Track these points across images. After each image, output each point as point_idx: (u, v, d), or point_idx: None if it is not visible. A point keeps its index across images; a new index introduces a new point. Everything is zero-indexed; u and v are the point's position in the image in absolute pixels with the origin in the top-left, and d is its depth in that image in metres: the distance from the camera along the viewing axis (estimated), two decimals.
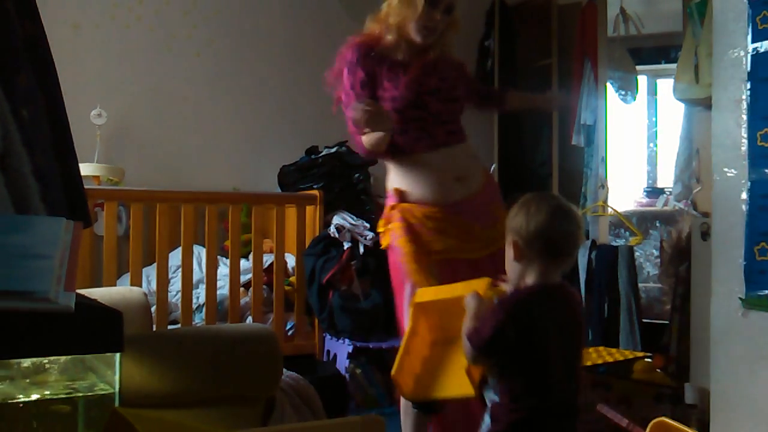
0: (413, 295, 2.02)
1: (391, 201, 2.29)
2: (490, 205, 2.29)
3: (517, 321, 1.61)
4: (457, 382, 1.77)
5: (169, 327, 3.20)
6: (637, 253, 3.68)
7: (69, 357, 1.25)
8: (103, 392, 1.25)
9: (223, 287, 3.46)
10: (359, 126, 2.09)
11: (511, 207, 1.77)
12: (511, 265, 1.73)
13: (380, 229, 2.34)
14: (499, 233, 1.96)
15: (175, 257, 3.35)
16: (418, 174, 2.24)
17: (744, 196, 2.02)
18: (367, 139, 2.20)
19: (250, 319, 3.42)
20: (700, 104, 3.35)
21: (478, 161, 2.40)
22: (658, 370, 2.74)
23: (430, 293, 1.95)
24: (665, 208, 4.22)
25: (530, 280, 1.69)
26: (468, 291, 1.75)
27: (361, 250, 3.48)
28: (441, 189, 2.22)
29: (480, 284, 1.78)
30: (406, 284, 2.21)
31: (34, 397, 1.24)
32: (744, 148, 2.02)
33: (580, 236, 1.74)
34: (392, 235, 2.25)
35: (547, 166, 4.55)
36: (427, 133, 2.24)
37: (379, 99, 2.23)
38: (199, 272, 3.52)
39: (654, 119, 4.62)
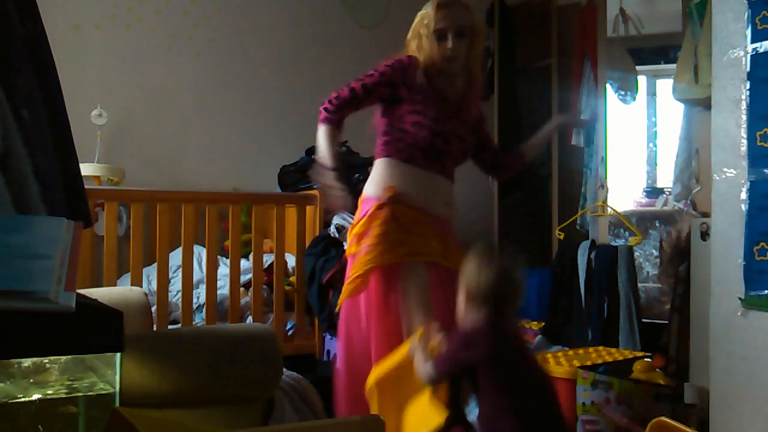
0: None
1: (372, 200, 2.33)
2: (451, 232, 2.45)
3: (469, 343, 1.86)
4: (429, 415, 1.93)
5: (170, 327, 3.20)
6: (636, 253, 3.67)
7: (69, 357, 1.25)
8: (103, 392, 1.25)
9: (224, 287, 3.46)
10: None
11: (467, 255, 1.96)
12: (463, 309, 1.94)
13: (359, 230, 2.34)
14: (455, 258, 2.19)
15: (176, 257, 3.35)
16: (418, 184, 2.35)
17: (743, 196, 2.02)
18: (318, 141, 2.35)
19: (250, 319, 3.43)
20: (699, 104, 3.36)
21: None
22: (658, 370, 2.74)
23: (379, 369, 2.10)
24: (665, 208, 4.23)
25: (477, 320, 1.91)
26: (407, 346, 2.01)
27: None
28: (433, 204, 2.36)
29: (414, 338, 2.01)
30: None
31: (35, 397, 1.24)
32: (743, 148, 2.02)
33: (522, 288, 1.96)
34: (366, 243, 2.29)
35: (547, 166, 4.55)
36: (441, 162, 2.38)
37: (411, 113, 2.35)
38: (199, 272, 3.52)
39: (653, 119, 4.61)
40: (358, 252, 2.30)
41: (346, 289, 2.32)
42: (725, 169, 2.08)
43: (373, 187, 2.38)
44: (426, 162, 2.35)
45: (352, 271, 2.30)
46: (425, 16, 2.37)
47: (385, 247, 2.24)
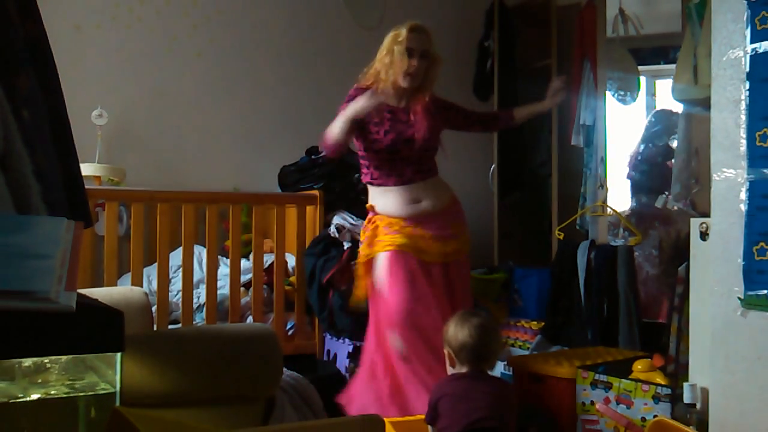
0: None
1: (370, 214, 2.90)
2: (448, 222, 2.86)
3: (439, 391, 2.16)
4: None
5: (170, 327, 3.20)
6: (636, 253, 3.67)
7: (70, 356, 1.25)
8: (104, 392, 1.25)
9: (224, 287, 3.47)
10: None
11: (448, 322, 2.28)
12: (447, 369, 2.26)
13: (363, 236, 2.91)
14: (454, 248, 2.84)
15: (176, 257, 3.36)
16: (386, 197, 2.84)
17: (743, 196, 2.02)
18: (329, 129, 2.73)
19: (250, 319, 3.43)
20: (698, 104, 3.35)
21: (444, 190, 2.93)
22: (657, 370, 2.74)
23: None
24: (665, 207, 4.23)
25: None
26: None
27: None
28: (400, 208, 2.81)
29: None
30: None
31: (35, 396, 1.24)
32: (743, 149, 2.02)
33: (498, 348, 2.35)
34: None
35: (547, 166, 4.55)
36: (397, 172, 2.80)
37: (363, 139, 2.81)
38: (199, 272, 3.53)
39: (653, 120, 4.61)
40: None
41: (355, 293, 2.94)
42: (724, 169, 2.08)
43: (368, 203, 2.93)
44: (391, 180, 2.81)
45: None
46: (399, 35, 2.77)
47: (365, 246, 2.83)
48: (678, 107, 3.93)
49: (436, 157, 2.94)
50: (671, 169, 4.05)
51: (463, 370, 2.19)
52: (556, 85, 3.03)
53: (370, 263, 2.82)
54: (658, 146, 4.00)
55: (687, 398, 2.36)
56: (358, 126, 2.77)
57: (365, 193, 3.20)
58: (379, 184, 2.85)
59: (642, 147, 4.34)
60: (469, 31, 4.99)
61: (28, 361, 1.25)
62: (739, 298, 2.01)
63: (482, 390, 2.14)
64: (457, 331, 2.20)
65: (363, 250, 2.86)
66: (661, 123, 4.26)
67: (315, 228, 3.66)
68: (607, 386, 2.68)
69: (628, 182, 4.38)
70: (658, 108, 4.32)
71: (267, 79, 4.38)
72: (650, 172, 3.96)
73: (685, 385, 2.39)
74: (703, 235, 2.38)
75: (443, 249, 2.81)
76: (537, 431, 2.85)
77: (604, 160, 3.97)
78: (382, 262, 2.76)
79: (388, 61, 2.77)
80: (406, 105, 2.85)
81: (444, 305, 2.74)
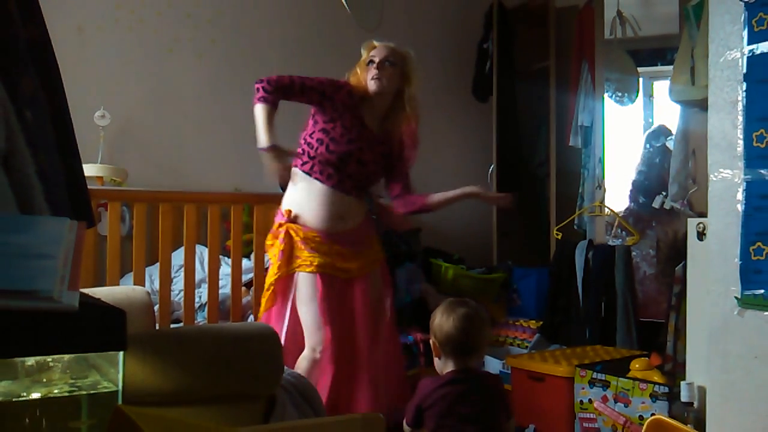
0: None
1: (279, 219, 2.79)
2: (363, 236, 2.84)
3: (426, 399, 2.05)
4: None
5: (172, 326, 3.21)
6: (633, 253, 3.69)
7: (72, 355, 1.26)
8: (106, 390, 1.25)
9: (225, 286, 3.48)
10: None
11: (434, 311, 2.16)
12: (435, 361, 2.15)
13: (268, 242, 2.85)
14: (369, 258, 2.82)
15: (178, 257, 3.37)
16: (313, 205, 2.75)
17: (739, 196, 2.03)
18: (257, 123, 2.81)
19: (251, 318, 3.44)
20: (696, 105, 3.37)
21: (363, 205, 2.89)
22: (655, 369, 2.75)
23: None
24: (663, 206, 4.23)
25: (447, 370, 2.09)
26: None
27: None
28: (325, 222, 2.75)
29: None
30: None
31: (38, 395, 1.25)
32: (740, 149, 2.03)
33: (486, 340, 2.17)
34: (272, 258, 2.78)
35: (545, 166, 4.57)
36: (339, 180, 2.75)
37: (321, 130, 2.76)
38: (201, 272, 3.54)
39: (650, 120, 4.62)
40: (269, 266, 2.78)
41: (262, 302, 2.77)
42: (721, 170, 2.09)
43: (283, 201, 2.84)
44: (322, 177, 2.74)
45: (265, 285, 2.78)
46: (364, 55, 2.84)
47: (282, 262, 2.71)
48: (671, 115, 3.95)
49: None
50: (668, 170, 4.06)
51: (449, 366, 2.09)
52: (474, 190, 2.92)
53: (287, 280, 2.75)
54: (655, 147, 4.01)
55: (684, 397, 2.37)
56: (311, 102, 2.78)
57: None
58: (308, 173, 2.77)
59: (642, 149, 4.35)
60: (467, 33, 5.00)
61: (30, 360, 1.26)
62: (736, 298, 2.02)
63: (472, 400, 2.04)
64: (442, 322, 2.09)
65: (280, 265, 2.73)
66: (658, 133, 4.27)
67: None
68: (605, 385, 2.69)
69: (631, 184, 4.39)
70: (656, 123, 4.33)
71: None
72: (648, 173, 3.98)
73: (683, 383, 2.40)
74: (701, 235, 2.40)
75: (358, 263, 2.79)
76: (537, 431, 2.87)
77: (602, 161, 3.98)
78: (304, 282, 2.71)
79: (354, 81, 2.84)
80: (386, 123, 2.86)
81: (364, 321, 2.76)
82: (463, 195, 2.86)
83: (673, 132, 3.80)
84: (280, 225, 2.78)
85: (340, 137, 2.75)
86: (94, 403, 1.26)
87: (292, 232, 2.75)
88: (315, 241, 2.73)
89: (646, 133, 4.18)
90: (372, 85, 2.78)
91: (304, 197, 2.78)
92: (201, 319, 3.40)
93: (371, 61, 2.80)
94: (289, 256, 2.73)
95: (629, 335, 3.45)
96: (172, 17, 4.15)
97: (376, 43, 2.86)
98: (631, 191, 3.97)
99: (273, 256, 2.79)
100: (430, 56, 4.93)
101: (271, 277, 2.75)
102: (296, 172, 2.82)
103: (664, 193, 3.64)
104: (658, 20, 4.16)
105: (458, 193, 2.85)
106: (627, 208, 3.92)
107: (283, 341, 2.66)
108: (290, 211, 2.77)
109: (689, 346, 2.46)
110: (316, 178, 2.76)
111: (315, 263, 2.70)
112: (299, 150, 2.82)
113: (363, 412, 2.56)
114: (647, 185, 3.90)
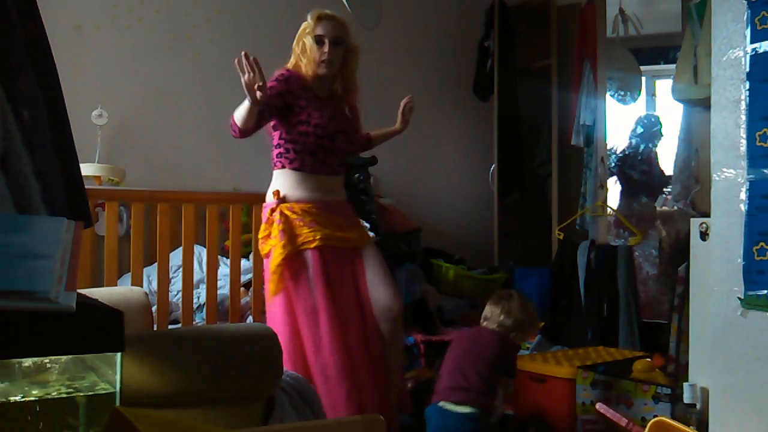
0: None
1: (270, 205, 2.72)
2: (349, 212, 2.85)
3: None
4: None
5: (170, 326, 3.20)
6: (636, 253, 3.68)
7: (70, 356, 1.25)
8: (104, 392, 1.25)
9: (224, 287, 3.47)
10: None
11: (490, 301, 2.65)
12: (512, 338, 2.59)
13: (262, 234, 2.74)
14: (362, 231, 2.83)
15: (176, 257, 3.36)
16: (304, 183, 2.71)
17: (743, 196, 2.02)
18: (236, 113, 2.58)
19: (250, 319, 3.43)
20: (698, 104, 3.36)
21: (343, 181, 2.90)
22: (657, 370, 2.74)
23: None
24: (664, 208, 4.23)
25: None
26: None
27: None
28: (318, 194, 2.72)
29: None
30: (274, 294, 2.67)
31: (35, 396, 1.24)
32: (743, 149, 2.02)
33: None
34: (272, 245, 2.68)
35: (547, 166, 4.56)
36: (328, 163, 2.73)
37: (297, 123, 2.68)
38: (199, 272, 3.53)
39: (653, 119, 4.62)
40: (270, 252, 2.67)
41: (270, 287, 2.67)
42: (724, 169, 2.08)
43: (268, 195, 2.76)
44: (314, 166, 2.71)
45: (270, 269, 2.67)
46: (308, 26, 2.75)
47: (286, 240, 2.63)
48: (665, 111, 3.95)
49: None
50: (656, 171, 4.07)
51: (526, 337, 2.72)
52: (407, 103, 2.94)
53: (296, 259, 2.65)
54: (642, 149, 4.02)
55: (687, 398, 2.36)
56: (278, 111, 2.68)
57: (366, 192, 3.21)
58: (298, 169, 2.71)
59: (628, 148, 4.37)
60: (469, 31, 4.99)
61: (27, 361, 1.25)
62: (739, 298, 2.01)
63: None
64: (521, 308, 2.60)
65: (285, 243, 2.64)
66: (645, 127, 4.28)
67: None
68: (607, 386, 2.68)
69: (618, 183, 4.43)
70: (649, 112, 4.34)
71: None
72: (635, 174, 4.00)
73: (685, 385, 2.39)
74: (703, 235, 2.39)
75: (356, 233, 2.79)
76: (537, 431, 2.85)
77: (604, 160, 3.98)
78: (311, 259, 2.65)
79: (299, 51, 2.77)
80: (338, 98, 2.81)
81: (363, 291, 2.74)
82: (394, 132, 3.01)
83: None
84: (272, 210, 2.70)
85: (320, 119, 2.69)
86: (92, 405, 1.25)
87: (287, 212, 2.68)
88: (311, 213, 2.68)
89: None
90: (322, 69, 2.72)
91: (295, 182, 2.72)
92: (199, 319, 3.39)
93: (320, 41, 2.71)
94: (290, 234, 2.65)
95: (631, 336, 3.44)
96: (170, 16, 4.14)
97: (322, 15, 2.75)
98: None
99: (274, 239, 2.68)
100: (430, 55, 4.93)
101: (276, 259, 2.64)
102: (280, 173, 2.75)
103: (667, 193, 3.64)
104: (660, 18, 4.16)
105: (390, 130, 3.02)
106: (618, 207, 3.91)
107: (282, 342, 2.62)
108: (278, 192, 2.70)
109: (692, 347, 2.45)
110: (309, 171, 2.71)
111: (318, 237, 2.64)
112: (276, 153, 2.74)
113: (363, 414, 2.55)
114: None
